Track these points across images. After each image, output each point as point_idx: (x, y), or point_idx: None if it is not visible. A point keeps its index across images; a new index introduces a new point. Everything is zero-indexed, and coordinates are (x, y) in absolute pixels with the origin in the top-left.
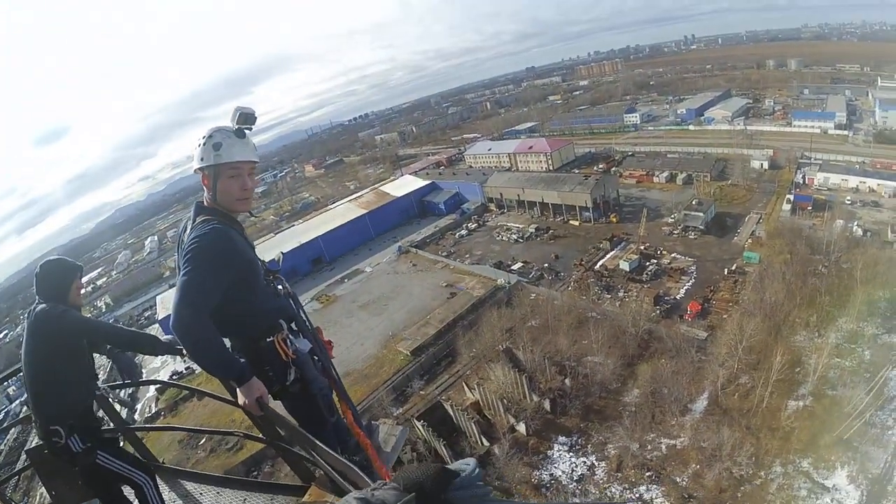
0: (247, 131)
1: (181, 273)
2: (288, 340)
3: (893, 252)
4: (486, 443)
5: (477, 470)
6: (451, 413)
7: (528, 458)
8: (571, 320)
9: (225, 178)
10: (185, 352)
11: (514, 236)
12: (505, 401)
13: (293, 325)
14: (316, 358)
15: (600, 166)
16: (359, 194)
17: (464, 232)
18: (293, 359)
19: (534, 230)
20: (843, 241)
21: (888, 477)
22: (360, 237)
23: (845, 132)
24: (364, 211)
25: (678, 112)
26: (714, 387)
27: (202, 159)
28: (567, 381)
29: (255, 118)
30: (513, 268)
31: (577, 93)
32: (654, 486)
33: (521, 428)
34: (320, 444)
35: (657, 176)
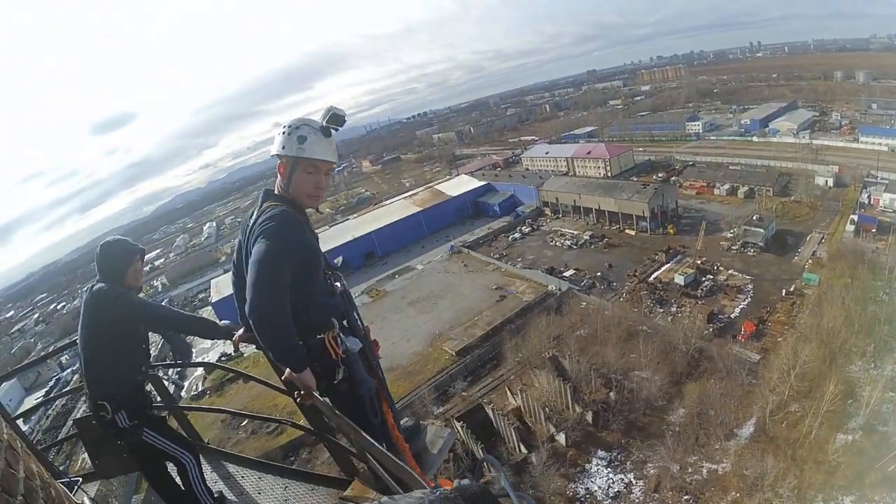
0: (333, 131)
1: (256, 254)
2: (339, 339)
3: None
4: (524, 450)
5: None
6: (492, 417)
7: (565, 470)
8: (621, 332)
9: (301, 172)
10: (255, 335)
11: (568, 242)
12: (547, 409)
13: (345, 322)
14: (365, 358)
15: (659, 175)
16: (414, 192)
17: (517, 235)
18: (343, 357)
19: (588, 237)
20: None
21: None
22: (414, 234)
23: None
24: (418, 209)
25: (742, 122)
26: (762, 413)
27: (283, 147)
28: (612, 394)
29: (345, 120)
30: (565, 274)
31: (638, 98)
32: None
33: (561, 438)
34: (370, 440)
35: (718, 188)
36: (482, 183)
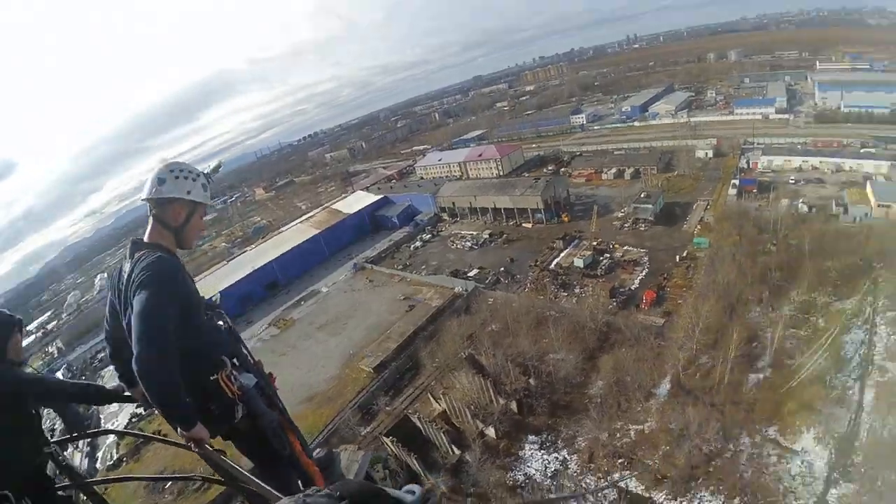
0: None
1: (139, 305)
2: (232, 377)
3: (839, 224)
4: (456, 451)
5: (427, 498)
6: (420, 425)
7: (501, 461)
8: (530, 321)
9: (198, 216)
10: (145, 395)
11: (469, 243)
12: (472, 407)
13: (235, 360)
14: (262, 393)
15: (549, 168)
16: (311, 214)
17: (418, 243)
18: (240, 395)
19: (488, 236)
20: (789, 219)
21: (853, 434)
22: (315, 257)
23: (786, 116)
24: (317, 231)
25: (623, 110)
26: (675, 370)
27: (189, 192)
28: (531, 380)
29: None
30: (469, 275)
31: (524, 98)
32: (628, 471)
33: (491, 432)
34: (256, 480)
35: (605, 173)
36: (378, 197)
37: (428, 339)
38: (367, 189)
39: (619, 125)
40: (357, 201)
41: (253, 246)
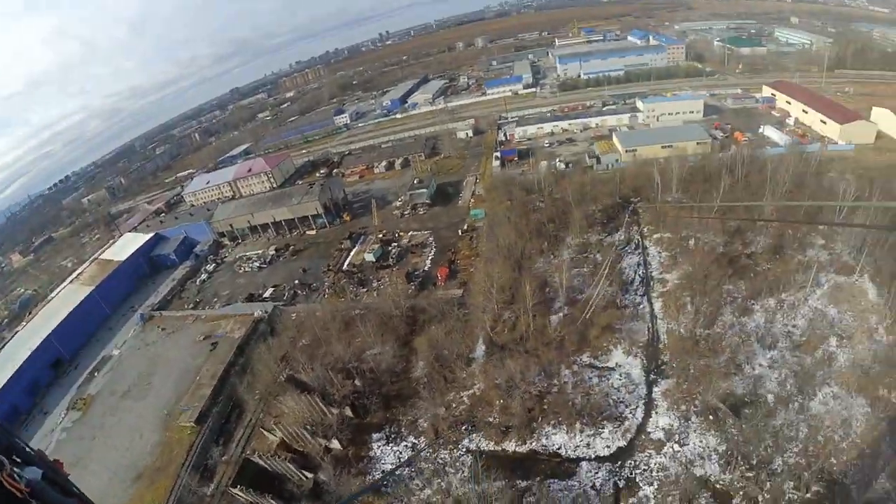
0: None
1: None
2: (15, 475)
3: (594, 174)
4: (308, 475)
5: None
6: (263, 463)
7: (355, 468)
8: (338, 325)
9: None
10: None
11: (257, 263)
12: (308, 426)
13: (14, 456)
14: (53, 482)
15: (322, 172)
16: (79, 271)
17: (204, 276)
18: (29, 492)
19: (274, 252)
20: (550, 178)
21: (655, 339)
22: (96, 319)
23: (534, 89)
24: (90, 288)
25: (384, 104)
26: (485, 331)
27: None
28: (357, 381)
29: None
30: (265, 295)
31: (286, 105)
32: (475, 435)
33: (335, 444)
34: None
35: (377, 167)
36: (150, 235)
37: (241, 372)
38: (135, 229)
39: (382, 119)
40: (127, 245)
41: (24, 323)
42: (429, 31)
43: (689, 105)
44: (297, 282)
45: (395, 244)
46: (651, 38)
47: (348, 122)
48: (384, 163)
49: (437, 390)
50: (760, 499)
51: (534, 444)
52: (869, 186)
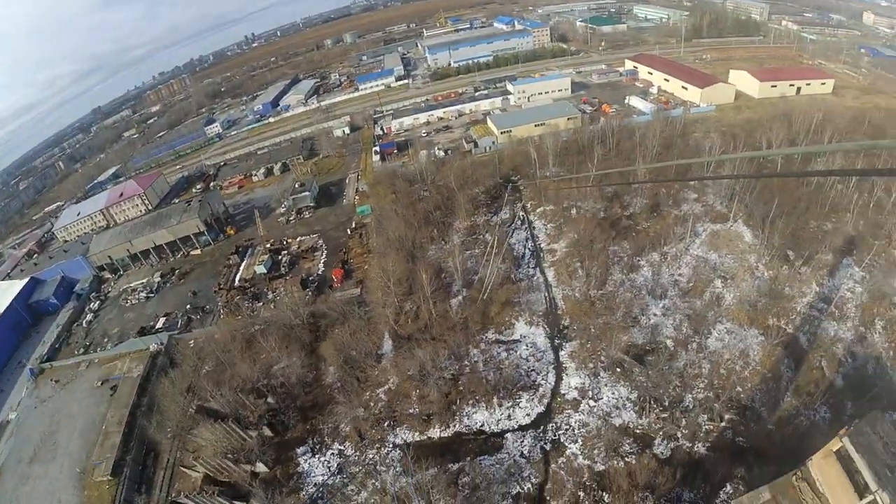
0: None
1: None
2: None
3: (473, 157)
4: None
5: None
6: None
7: (287, 487)
8: (239, 345)
9: None
10: None
11: (144, 294)
12: (230, 454)
13: None
14: None
15: (199, 187)
16: None
17: (90, 316)
18: None
19: (160, 278)
20: (431, 166)
21: (554, 306)
22: None
23: (406, 81)
24: None
25: (256, 109)
26: (389, 326)
27: None
28: (269, 399)
29: None
30: (158, 326)
31: (152, 120)
32: (399, 429)
33: (261, 467)
34: None
35: (255, 175)
36: (24, 281)
37: (148, 413)
38: (8, 277)
39: (255, 125)
40: (1, 297)
41: None
42: (296, 30)
43: (558, 84)
44: (188, 307)
45: (285, 252)
46: (516, 23)
47: (220, 131)
48: (262, 170)
49: (353, 392)
50: (679, 435)
51: (457, 426)
52: (732, 141)
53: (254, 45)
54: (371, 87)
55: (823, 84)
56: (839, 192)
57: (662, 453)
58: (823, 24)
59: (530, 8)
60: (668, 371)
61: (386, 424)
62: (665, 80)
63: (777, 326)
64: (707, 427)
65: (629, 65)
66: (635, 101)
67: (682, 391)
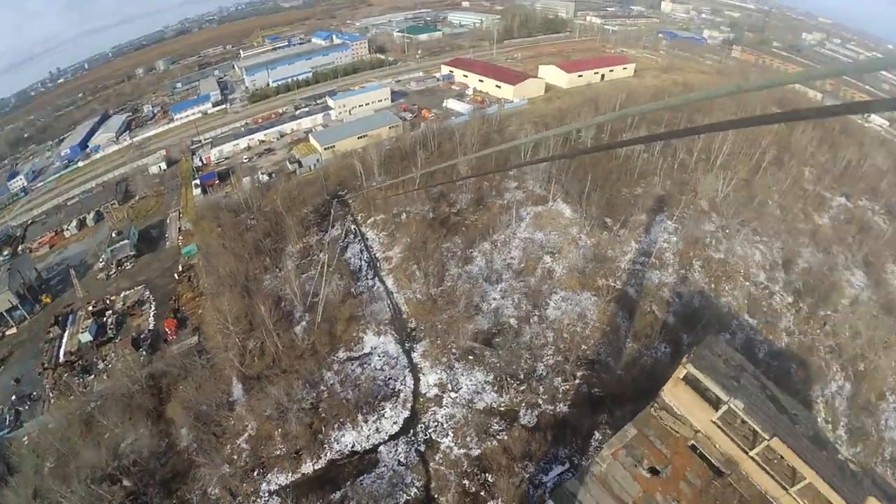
0: None
1: None
2: None
3: (299, 177)
4: None
5: None
6: None
7: None
8: (77, 429)
9: None
10: None
11: None
12: None
13: None
14: None
15: (5, 253)
16: None
17: None
18: None
19: None
20: (256, 192)
21: (398, 311)
22: None
23: (223, 106)
24: None
25: (63, 154)
26: (235, 369)
27: None
28: (125, 482)
29: None
30: None
31: None
32: (270, 474)
33: None
34: None
35: (67, 229)
36: None
37: None
38: None
39: (64, 172)
40: None
41: None
42: (105, 61)
43: (377, 94)
44: (14, 398)
45: (110, 312)
46: (334, 37)
47: (25, 184)
48: (74, 222)
49: (212, 450)
50: (540, 402)
51: (328, 454)
52: (545, 129)
53: (59, 80)
54: (187, 115)
55: (625, 69)
56: (645, 161)
57: (530, 422)
58: (625, 16)
59: (349, 21)
60: (516, 347)
61: (256, 474)
62: (480, 80)
63: (606, 286)
64: (564, 388)
65: (445, 70)
66: (452, 104)
67: (533, 362)
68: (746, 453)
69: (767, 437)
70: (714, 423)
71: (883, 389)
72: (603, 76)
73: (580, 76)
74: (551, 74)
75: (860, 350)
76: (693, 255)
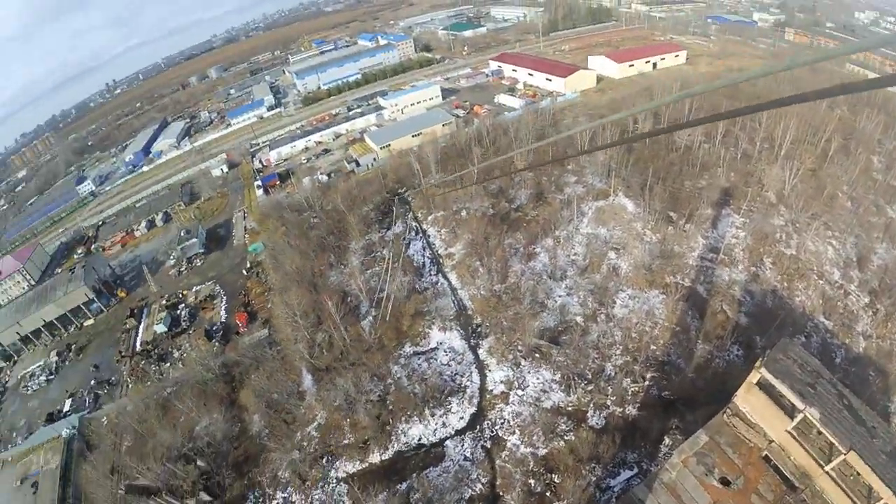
0: None
1: None
2: None
3: (357, 177)
4: None
5: None
6: None
7: None
8: (155, 412)
9: None
10: None
11: (43, 377)
12: None
13: None
14: None
15: (80, 252)
16: None
17: None
18: None
19: (57, 357)
20: (317, 191)
21: (462, 308)
22: None
23: (278, 110)
24: None
25: (127, 160)
26: (305, 360)
27: None
28: (199, 462)
29: None
30: (65, 410)
31: (20, 188)
32: (338, 462)
33: None
34: None
35: (138, 229)
36: None
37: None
38: None
39: (129, 177)
40: None
41: None
42: (159, 71)
43: (428, 93)
44: (93, 382)
45: (182, 305)
46: (380, 38)
47: (93, 188)
48: (144, 223)
49: (283, 436)
50: (609, 403)
51: (395, 445)
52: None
53: (116, 91)
54: (243, 120)
55: (677, 56)
56: (707, 151)
57: (598, 424)
58: (670, 2)
59: (391, 22)
60: (583, 346)
61: (324, 461)
62: (529, 74)
63: (675, 283)
64: (632, 389)
65: (493, 65)
66: (504, 99)
67: (601, 362)
68: (822, 467)
69: (844, 451)
70: (789, 432)
71: None
72: (655, 65)
73: (631, 66)
74: (601, 65)
75: None
76: (763, 252)
